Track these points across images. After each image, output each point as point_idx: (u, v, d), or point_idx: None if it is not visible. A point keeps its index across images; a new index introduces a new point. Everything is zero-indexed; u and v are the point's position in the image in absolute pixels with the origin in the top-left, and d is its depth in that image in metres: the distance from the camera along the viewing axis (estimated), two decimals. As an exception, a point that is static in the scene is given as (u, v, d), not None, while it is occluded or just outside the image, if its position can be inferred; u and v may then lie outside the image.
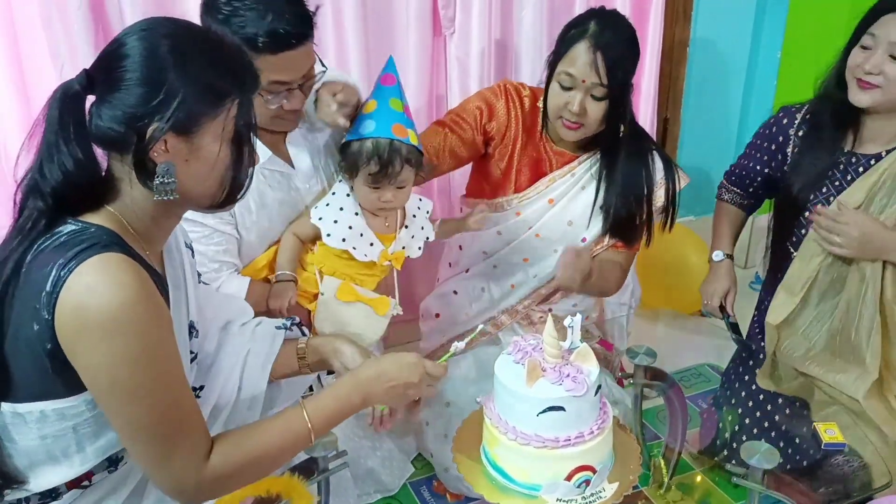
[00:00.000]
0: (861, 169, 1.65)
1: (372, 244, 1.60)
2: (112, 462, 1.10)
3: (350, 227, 1.59)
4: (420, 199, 1.73)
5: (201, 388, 1.26)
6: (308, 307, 1.64)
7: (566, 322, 1.21)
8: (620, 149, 1.71)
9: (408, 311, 2.24)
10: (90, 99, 1.00)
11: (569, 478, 1.13)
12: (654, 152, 1.77)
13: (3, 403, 1.02)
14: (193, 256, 1.28)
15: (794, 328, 1.71)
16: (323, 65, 1.55)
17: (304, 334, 1.42)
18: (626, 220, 1.75)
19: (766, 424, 1.74)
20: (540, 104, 1.73)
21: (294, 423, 1.10)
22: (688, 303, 2.62)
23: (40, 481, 1.05)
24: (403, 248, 1.66)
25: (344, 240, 1.58)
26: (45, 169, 0.98)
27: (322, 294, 1.60)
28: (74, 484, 1.08)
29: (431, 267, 2.14)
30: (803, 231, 1.70)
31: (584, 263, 1.63)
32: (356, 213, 1.60)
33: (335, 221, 1.58)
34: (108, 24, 1.76)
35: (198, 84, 0.98)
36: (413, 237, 1.67)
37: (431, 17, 2.08)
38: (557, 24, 2.24)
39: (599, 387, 1.17)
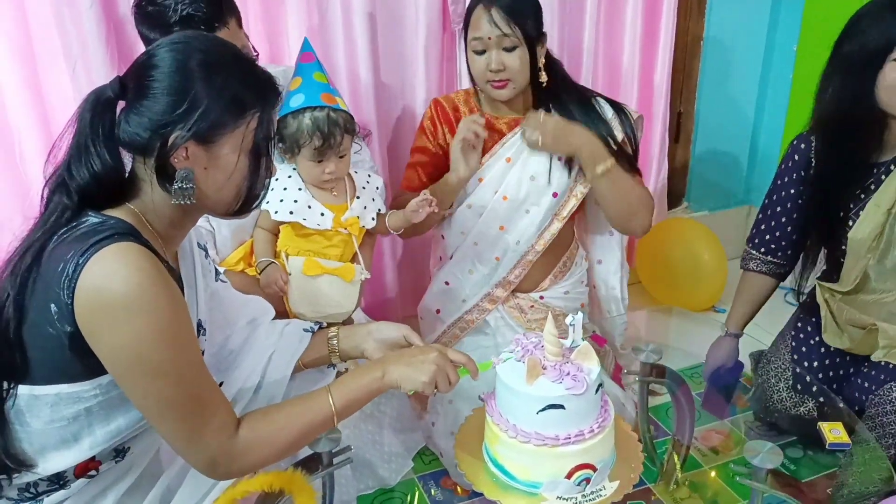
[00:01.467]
0: (883, 177, 1.63)
1: (323, 214, 1.67)
2: (119, 452, 1.14)
3: (296, 202, 1.66)
4: (370, 176, 1.80)
5: (220, 384, 1.27)
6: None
7: (567, 321, 1.21)
8: (561, 98, 1.79)
9: (412, 309, 2.24)
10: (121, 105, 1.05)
11: (569, 476, 1.14)
12: (598, 98, 1.85)
13: (20, 386, 1.05)
14: (207, 257, 1.32)
15: (864, 293, 1.69)
16: (255, 50, 1.66)
17: None
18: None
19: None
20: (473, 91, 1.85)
21: (318, 399, 1.16)
22: (699, 300, 2.61)
23: (48, 465, 1.09)
24: (358, 217, 1.72)
25: (291, 212, 1.65)
26: (74, 168, 1.04)
27: (290, 274, 1.66)
28: (82, 472, 1.11)
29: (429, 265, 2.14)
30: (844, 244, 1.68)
31: (550, 124, 1.72)
32: (300, 189, 1.68)
33: (281, 200, 1.66)
34: (119, 24, 1.78)
35: (221, 96, 1.04)
36: (365, 208, 1.74)
37: (440, 12, 2.08)
38: (567, 19, 2.24)
39: (600, 385, 1.18)
